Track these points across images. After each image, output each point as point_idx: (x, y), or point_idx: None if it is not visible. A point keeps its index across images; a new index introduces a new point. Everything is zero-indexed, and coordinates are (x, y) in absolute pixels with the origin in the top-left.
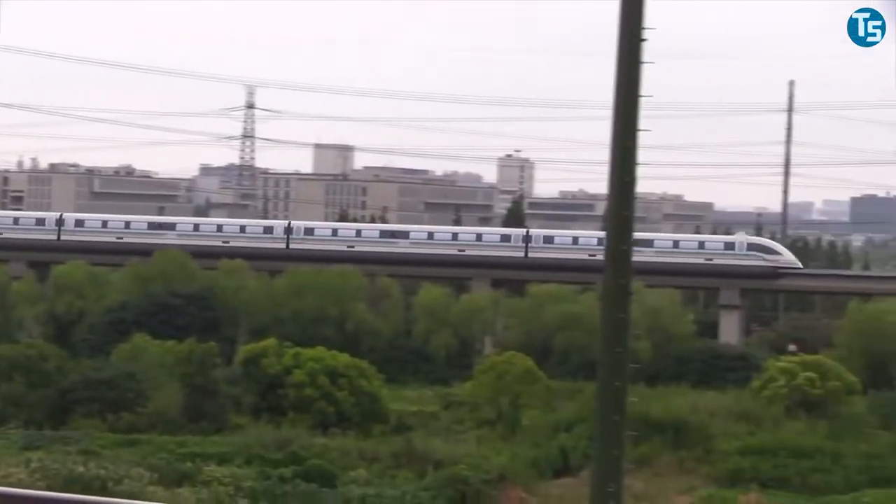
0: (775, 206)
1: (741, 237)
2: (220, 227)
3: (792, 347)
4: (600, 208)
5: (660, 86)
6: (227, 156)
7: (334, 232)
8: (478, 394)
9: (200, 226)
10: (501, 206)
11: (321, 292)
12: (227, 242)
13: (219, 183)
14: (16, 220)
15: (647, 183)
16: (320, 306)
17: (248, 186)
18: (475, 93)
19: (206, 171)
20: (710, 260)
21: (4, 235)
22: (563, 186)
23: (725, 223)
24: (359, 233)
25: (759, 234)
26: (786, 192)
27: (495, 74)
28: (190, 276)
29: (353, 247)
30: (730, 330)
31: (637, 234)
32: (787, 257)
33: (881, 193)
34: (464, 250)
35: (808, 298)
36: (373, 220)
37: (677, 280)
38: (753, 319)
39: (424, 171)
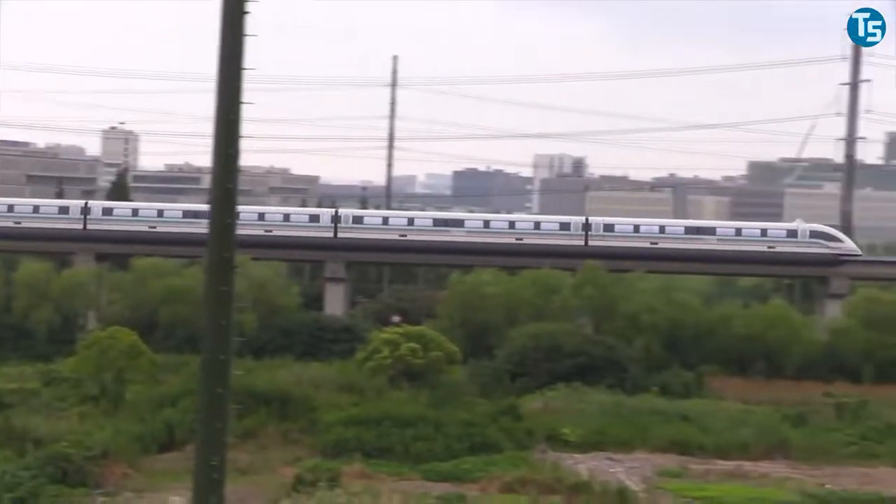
0: (380, 179)
1: (802, 225)
2: (261, 216)
3: (395, 318)
4: (206, 181)
5: (265, 59)
6: None
7: (384, 220)
8: (81, 370)
9: (241, 214)
10: (106, 180)
11: None
12: (270, 231)
13: None
14: (36, 209)
15: (254, 156)
16: None
17: None
18: (80, 63)
19: None
20: (773, 248)
21: (23, 225)
22: (169, 160)
23: (331, 196)
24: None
25: (364, 207)
26: (390, 165)
27: (101, 46)
28: None
29: (405, 235)
30: (335, 302)
31: (705, 223)
32: (849, 245)
33: (481, 167)
34: None
35: (412, 270)
36: None
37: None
38: (358, 291)
39: (26, 143)
